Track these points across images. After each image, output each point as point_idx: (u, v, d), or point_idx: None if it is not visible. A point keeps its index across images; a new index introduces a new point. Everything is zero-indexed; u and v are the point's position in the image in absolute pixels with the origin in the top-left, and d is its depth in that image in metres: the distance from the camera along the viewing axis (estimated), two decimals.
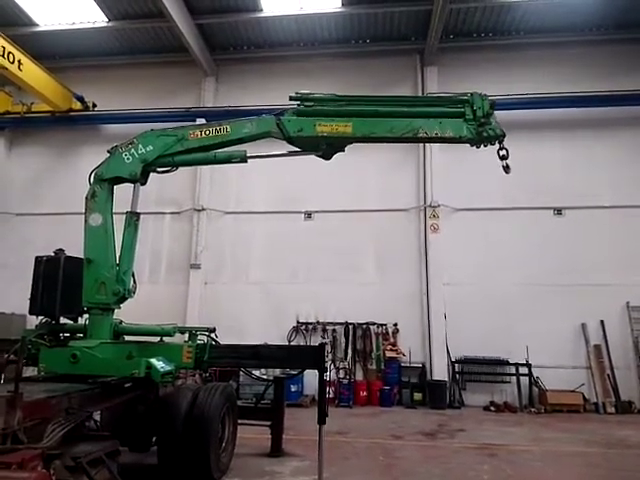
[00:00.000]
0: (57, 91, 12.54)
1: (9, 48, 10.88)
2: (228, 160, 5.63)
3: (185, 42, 12.00)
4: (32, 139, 13.79)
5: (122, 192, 5.49)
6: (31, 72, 11.58)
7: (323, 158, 5.66)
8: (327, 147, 5.49)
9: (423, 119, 5.14)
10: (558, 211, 11.63)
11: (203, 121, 10.27)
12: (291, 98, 5.46)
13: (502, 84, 11.74)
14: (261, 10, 11.81)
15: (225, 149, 5.58)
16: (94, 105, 13.12)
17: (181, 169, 13.78)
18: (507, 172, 5.18)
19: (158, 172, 5.55)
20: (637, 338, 10.72)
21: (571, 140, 11.89)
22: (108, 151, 5.42)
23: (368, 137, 5.26)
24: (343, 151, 5.68)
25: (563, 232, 11.39)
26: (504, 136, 5.14)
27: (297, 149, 5.61)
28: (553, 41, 12.22)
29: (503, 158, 5.18)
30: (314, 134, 5.25)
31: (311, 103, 5.40)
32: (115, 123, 12.81)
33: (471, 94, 5.19)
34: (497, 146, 5.21)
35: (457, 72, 12.36)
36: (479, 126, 5.04)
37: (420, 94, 12.32)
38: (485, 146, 5.23)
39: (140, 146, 5.35)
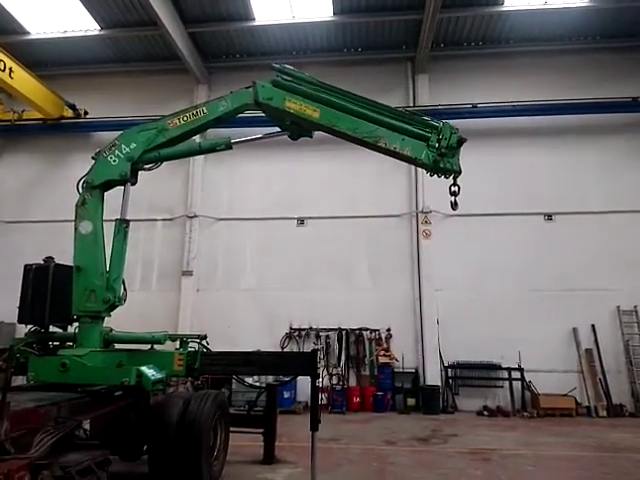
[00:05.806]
0: (48, 99, 12.50)
1: (0, 56, 10.85)
2: (213, 148, 5.64)
3: (177, 50, 12.05)
4: (23, 147, 13.74)
5: (112, 199, 5.48)
6: (22, 80, 11.53)
7: (291, 138, 5.71)
8: (291, 125, 5.52)
9: (389, 130, 5.07)
10: (549, 217, 11.74)
11: None
12: (272, 68, 5.48)
13: (492, 91, 11.99)
14: (253, 19, 11.89)
15: (209, 140, 5.62)
16: (86, 113, 13.11)
17: (173, 176, 13.78)
18: (454, 209, 5.17)
19: (146, 169, 5.53)
20: (628, 342, 10.82)
21: (561, 146, 12.03)
22: (92, 157, 5.41)
23: (330, 128, 5.19)
24: (310, 136, 5.70)
25: (554, 237, 11.50)
26: (459, 173, 5.07)
27: (277, 130, 5.70)
28: (542, 49, 12.42)
29: (453, 194, 5.16)
30: (281, 107, 5.26)
31: (289, 78, 5.39)
32: (107, 131, 12.70)
33: (444, 123, 5.08)
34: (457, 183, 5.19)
35: (448, 80, 12.55)
36: (439, 155, 4.96)
37: (412, 102, 12.48)
38: (439, 176, 5.18)
39: (123, 145, 5.32)
